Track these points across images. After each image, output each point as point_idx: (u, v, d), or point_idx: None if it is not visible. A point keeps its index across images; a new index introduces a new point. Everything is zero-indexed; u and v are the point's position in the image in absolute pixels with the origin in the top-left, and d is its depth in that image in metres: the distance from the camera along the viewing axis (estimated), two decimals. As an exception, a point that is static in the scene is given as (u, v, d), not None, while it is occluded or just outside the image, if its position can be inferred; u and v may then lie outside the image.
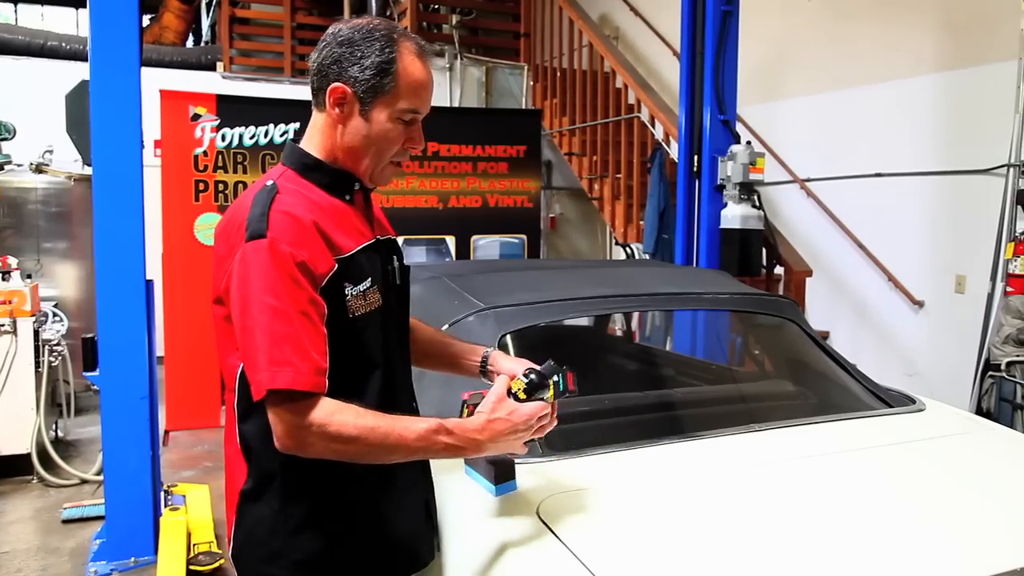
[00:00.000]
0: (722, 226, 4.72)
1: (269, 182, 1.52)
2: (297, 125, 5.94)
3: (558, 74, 7.91)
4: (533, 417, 1.54)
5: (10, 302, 4.80)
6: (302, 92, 8.84)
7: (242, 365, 1.45)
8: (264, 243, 1.40)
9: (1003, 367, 4.26)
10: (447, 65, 7.93)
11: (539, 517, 1.63)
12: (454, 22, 8.25)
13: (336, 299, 1.47)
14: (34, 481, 4.80)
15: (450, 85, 7.98)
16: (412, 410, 1.67)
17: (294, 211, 1.45)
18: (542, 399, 1.59)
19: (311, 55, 1.57)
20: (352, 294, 1.49)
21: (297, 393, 1.36)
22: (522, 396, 1.58)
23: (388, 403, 1.54)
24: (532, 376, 1.61)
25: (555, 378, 1.64)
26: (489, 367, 1.79)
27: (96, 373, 3.50)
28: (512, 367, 1.73)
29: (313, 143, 1.58)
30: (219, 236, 1.53)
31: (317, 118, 1.58)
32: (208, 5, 9.82)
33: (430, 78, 1.56)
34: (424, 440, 1.44)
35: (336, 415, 1.38)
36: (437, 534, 1.74)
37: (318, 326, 1.42)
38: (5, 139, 5.95)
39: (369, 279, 1.53)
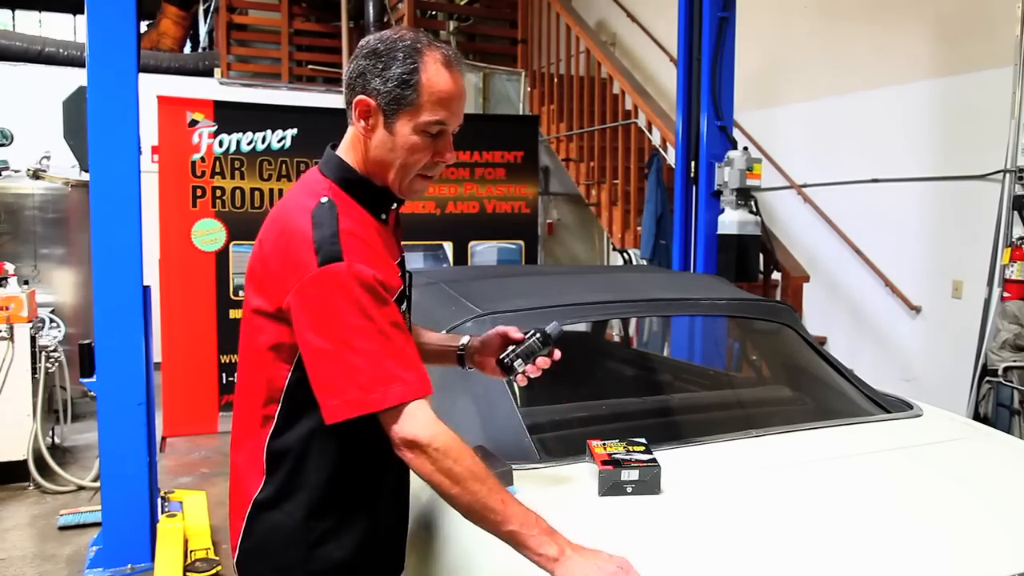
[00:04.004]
0: (719, 232, 4.73)
1: (324, 199, 1.48)
2: (295, 131, 5.95)
3: (555, 80, 7.92)
4: (618, 562, 1.39)
5: (7, 308, 4.79)
6: (300, 98, 8.86)
7: (288, 378, 1.48)
8: (343, 267, 1.39)
9: (1000, 372, 4.27)
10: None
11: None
12: (451, 28, 8.28)
13: None
14: (31, 488, 4.79)
15: (447, 91, 7.97)
16: None
17: (358, 232, 1.46)
18: (547, 355, 1.75)
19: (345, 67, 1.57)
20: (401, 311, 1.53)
21: (409, 404, 1.39)
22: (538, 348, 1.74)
23: None
24: (538, 335, 1.74)
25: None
26: (471, 350, 1.86)
27: (93, 379, 3.50)
28: (496, 333, 1.82)
29: (349, 157, 1.56)
30: (272, 245, 1.49)
31: (350, 131, 1.56)
32: (206, 11, 9.82)
33: (459, 89, 1.51)
34: (520, 520, 1.38)
35: (459, 451, 1.40)
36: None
37: (408, 334, 1.45)
38: (3, 145, 5.95)
39: (407, 299, 1.59)
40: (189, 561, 3.53)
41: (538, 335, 1.74)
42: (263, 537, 1.53)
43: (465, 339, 1.87)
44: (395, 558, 1.69)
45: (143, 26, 9.58)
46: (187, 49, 10.01)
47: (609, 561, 1.37)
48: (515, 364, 1.74)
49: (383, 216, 1.58)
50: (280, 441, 1.52)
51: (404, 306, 1.59)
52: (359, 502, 1.55)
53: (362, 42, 1.54)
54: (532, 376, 1.76)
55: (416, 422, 1.39)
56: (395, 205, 1.60)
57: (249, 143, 5.89)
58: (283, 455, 1.51)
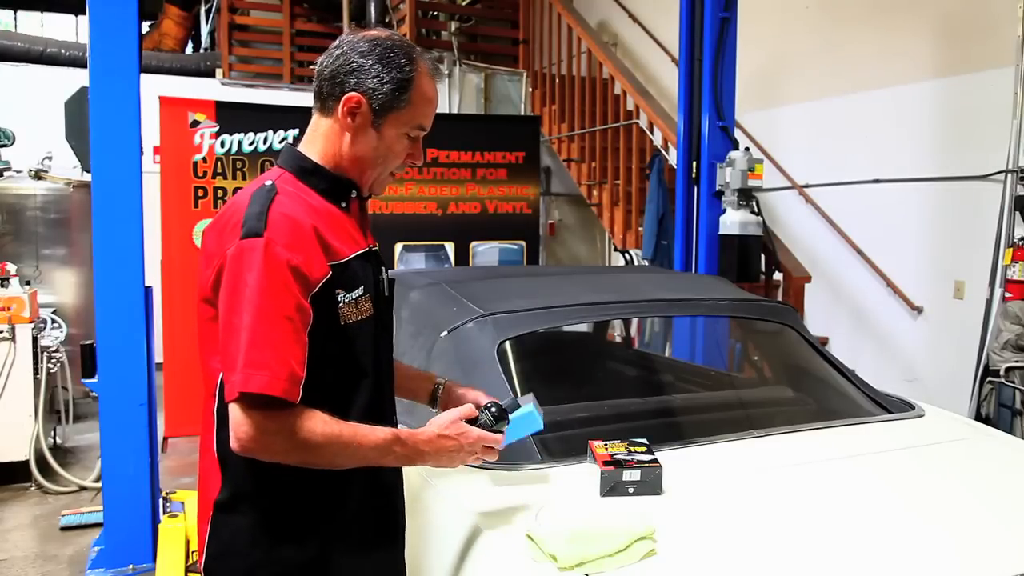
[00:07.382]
0: (721, 232, 4.72)
1: (268, 182, 1.51)
2: (296, 131, 5.94)
3: (557, 80, 7.92)
4: (479, 442, 1.59)
5: (9, 308, 4.79)
6: (301, 98, 8.81)
7: (221, 369, 1.43)
8: (260, 242, 1.39)
9: (1002, 373, 4.27)
10: (446, 72, 7.94)
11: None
12: (453, 29, 8.27)
13: (328, 306, 1.46)
14: (32, 488, 4.80)
15: (449, 92, 7.98)
16: (394, 424, 1.65)
17: (292, 213, 1.45)
18: (499, 431, 1.64)
19: (321, 59, 1.58)
20: (344, 301, 1.49)
21: (268, 398, 1.35)
22: (491, 424, 1.64)
23: (375, 414, 1.55)
24: (493, 409, 1.65)
25: (523, 410, 1.70)
26: (441, 394, 1.84)
27: (95, 379, 3.50)
28: (471, 395, 1.79)
29: (314, 148, 1.58)
30: (209, 233, 1.51)
31: (321, 123, 1.58)
32: (207, 12, 9.83)
33: (438, 97, 1.62)
34: (379, 450, 1.47)
35: (305, 422, 1.38)
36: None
37: (300, 334, 1.40)
38: (4, 145, 5.96)
39: (362, 287, 1.53)
40: (191, 561, 3.53)
41: (493, 409, 1.66)
42: (226, 541, 1.49)
43: (443, 379, 1.87)
44: (378, 553, 1.61)
45: (145, 27, 9.59)
46: (189, 50, 10.02)
47: (455, 440, 1.56)
48: None
49: (343, 204, 1.59)
50: (224, 438, 1.44)
51: (362, 291, 1.53)
52: (322, 497, 1.50)
53: (349, 39, 1.56)
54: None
55: (269, 416, 1.36)
56: (355, 194, 1.61)
57: (251, 143, 5.89)
58: (228, 452, 1.44)
